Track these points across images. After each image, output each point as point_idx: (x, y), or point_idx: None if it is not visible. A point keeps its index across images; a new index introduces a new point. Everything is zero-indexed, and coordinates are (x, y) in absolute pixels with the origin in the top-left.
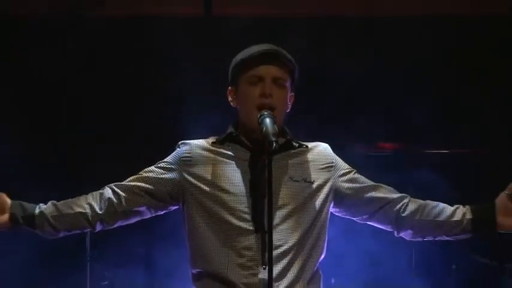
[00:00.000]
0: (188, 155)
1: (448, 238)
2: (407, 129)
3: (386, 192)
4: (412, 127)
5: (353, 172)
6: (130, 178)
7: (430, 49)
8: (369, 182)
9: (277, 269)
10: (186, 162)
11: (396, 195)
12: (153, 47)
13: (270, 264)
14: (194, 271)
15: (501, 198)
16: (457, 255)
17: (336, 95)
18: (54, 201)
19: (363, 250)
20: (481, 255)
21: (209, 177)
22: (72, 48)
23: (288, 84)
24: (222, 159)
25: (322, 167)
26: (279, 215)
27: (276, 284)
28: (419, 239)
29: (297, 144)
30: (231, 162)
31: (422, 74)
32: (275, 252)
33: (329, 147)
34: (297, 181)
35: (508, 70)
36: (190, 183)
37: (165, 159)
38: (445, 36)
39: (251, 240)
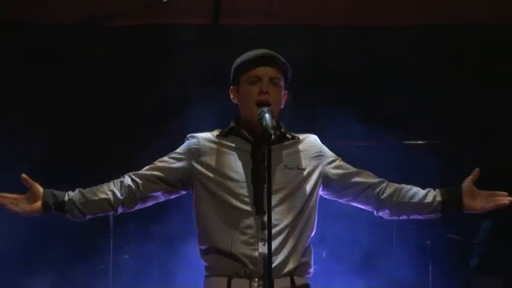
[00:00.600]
0: (196, 146)
1: (420, 217)
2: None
3: (367, 177)
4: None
5: (339, 160)
6: (146, 167)
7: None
8: (353, 168)
9: (274, 244)
10: (194, 153)
11: (376, 179)
12: (167, 53)
13: (269, 240)
14: (202, 247)
15: (467, 183)
16: (431, 233)
17: (328, 93)
18: (81, 189)
19: (351, 229)
20: (452, 233)
21: (215, 165)
22: (92, 56)
23: (282, 83)
24: (225, 150)
25: (312, 155)
26: (275, 198)
27: (274, 257)
28: (396, 218)
29: (290, 136)
30: (234, 152)
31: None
32: (273, 230)
33: (318, 139)
34: (291, 168)
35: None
36: (199, 171)
37: (176, 150)
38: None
39: (252, 221)
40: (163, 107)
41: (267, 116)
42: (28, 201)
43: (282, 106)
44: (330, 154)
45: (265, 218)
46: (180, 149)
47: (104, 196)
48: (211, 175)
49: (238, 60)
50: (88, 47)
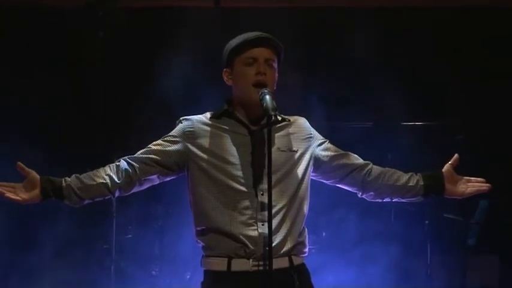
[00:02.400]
0: (191, 129)
1: (403, 200)
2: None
3: (354, 160)
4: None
5: (327, 142)
6: (141, 151)
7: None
8: (340, 151)
9: (272, 225)
10: (189, 135)
11: (362, 162)
12: (169, 35)
13: (269, 221)
14: (199, 228)
15: (447, 169)
16: (429, 213)
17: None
18: (77, 174)
19: (352, 210)
20: (450, 212)
21: (211, 148)
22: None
23: (275, 65)
24: (220, 132)
25: (303, 137)
26: (273, 180)
27: (274, 236)
28: (379, 200)
29: (280, 118)
30: (229, 135)
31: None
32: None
33: (307, 121)
34: (284, 151)
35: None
36: (194, 153)
37: (170, 133)
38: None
39: (250, 202)
40: (165, 89)
41: (268, 97)
42: (25, 189)
43: (275, 88)
44: (319, 136)
45: (263, 199)
46: (174, 132)
47: (101, 181)
48: (207, 157)
49: (233, 42)
50: (90, 30)
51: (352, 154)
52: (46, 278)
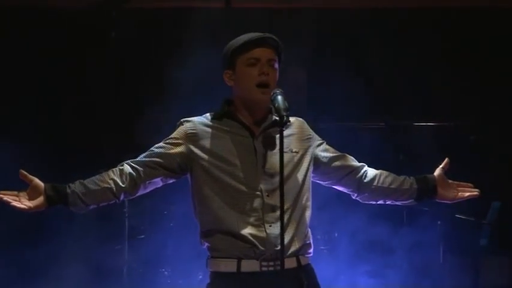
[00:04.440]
0: (193, 130)
1: (396, 203)
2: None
3: (350, 161)
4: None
5: (325, 143)
6: (144, 154)
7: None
8: (338, 152)
9: (279, 226)
10: (191, 137)
11: (358, 163)
12: (180, 36)
13: (282, 222)
14: (204, 229)
15: (438, 173)
16: (441, 213)
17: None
18: (81, 180)
19: (364, 211)
20: (462, 213)
21: (213, 149)
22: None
23: (277, 65)
24: (222, 133)
25: (303, 138)
26: (274, 181)
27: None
28: (373, 202)
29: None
30: (231, 136)
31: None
32: (277, 213)
33: (305, 122)
34: (285, 152)
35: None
36: (197, 155)
37: (171, 136)
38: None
39: (256, 203)
40: (176, 89)
41: (280, 97)
42: (29, 196)
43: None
44: (317, 137)
45: (269, 201)
46: (176, 134)
47: (105, 185)
48: (210, 159)
49: (234, 43)
50: (102, 30)
51: (349, 156)
52: (58, 278)
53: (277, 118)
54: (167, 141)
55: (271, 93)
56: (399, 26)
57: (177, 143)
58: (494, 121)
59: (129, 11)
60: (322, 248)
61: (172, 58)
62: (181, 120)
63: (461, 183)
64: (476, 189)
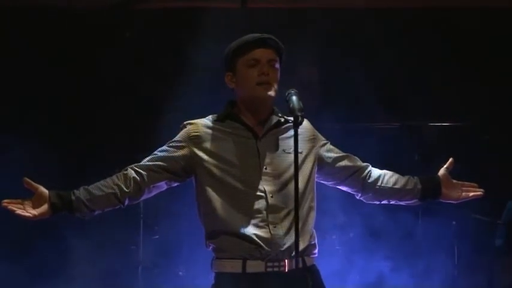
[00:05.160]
0: (197, 133)
1: (400, 203)
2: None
3: (355, 161)
4: None
5: (329, 143)
6: (147, 158)
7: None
8: (342, 152)
9: (284, 227)
10: (195, 140)
11: (362, 164)
12: (195, 36)
13: (296, 224)
14: (209, 231)
15: (442, 173)
16: (456, 213)
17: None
18: (85, 186)
19: (379, 211)
20: (477, 213)
21: (217, 151)
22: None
23: (277, 65)
24: (225, 135)
25: (307, 138)
26: (278, 183)
27: (285, 239)
28: (376, 202)
29: (283, 120)
30: (234, 138)
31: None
32: (281, 214)
33: (309, 122)
34: (289, 153)
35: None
36: (201, 157)
37: (175, 139)
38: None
39: (261, 205)
40: (190, 90)
41: (294, 97)
42: (34, 204)
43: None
44: (321, 137)
45: (273, 202)
46: (179, 137)
47: (110, 191)
48: (214, 161)
49: (234, 45)
50: (117, 30)
51: (353, 156)
52: (73, 277)
53: (280, 119)
54: (170, 144)
55: (286, 93)
56: (413, 25)
57: (180, 145)
58: (508, 121)
59: (142, 11)
60: (337, 247)
61: (187, 58)
62: (184, 122)
63: (466, 183)
64: (481, 189)
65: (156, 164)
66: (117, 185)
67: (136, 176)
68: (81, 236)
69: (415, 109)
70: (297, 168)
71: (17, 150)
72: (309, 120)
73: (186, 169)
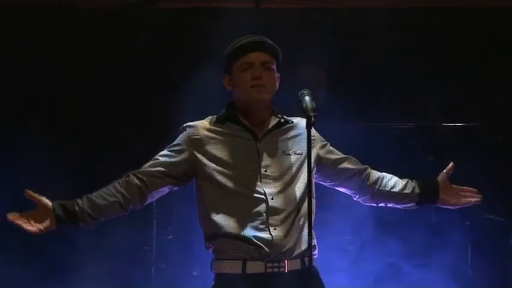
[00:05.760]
0: (197, 136)
1: (397, 206)
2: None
3: (354, 164)
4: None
5: (328, 144)
6: (149, 164)
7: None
8: (341, 154)
9: (284, 228)
10: (195, 143)
11: (361, 166)
12: (209, 36)
13: (309, 225)
14: (209, 233)
15: (441, 178)
16: (470, 214)
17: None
18: (88, 195)
19: (392, 211)
20: (491, 213)
21: (217, 154)
22: (140, 39)
23: (274, 66)
24: (225, 137)
25: (306, 140)
26: (278, 185)
27: (285, 240)
28: (374, 204)
29: (283, 121)
30: (234, 140)
31: None
32: (281, 216)
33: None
34: (289, 154)
35: None
36: (201, 161)
37: (175, 143)
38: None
39: (261, 207)
40: (205, 91)
41: (307, 98)
42: (38, 216)
43: (277, 88)
44: (321, 138)
45: (273, 204)
46: (179, 140)
47: (113, 199)
48: (214, 164)
49: (229, 49)
50: (131, 31)
51: (352, 158)
52: (85, 278)
53: (281, 120)
54: (171, 148)
55: (299, 93)
56: (429, 25)
57: (181, 149)
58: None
59: (156, 11)
60: (350, 248)
61: (201, 58)
62: (184, 125)
63: (465, 188)
64: (479, 195)
65: (158, 170)
66: (120, 192)
67: (138, 183)
68: (93, 236)
69: (429, 109)
70: (310, 170)
71: (31, 150)
72: (322, 120)
73: (187, 173)
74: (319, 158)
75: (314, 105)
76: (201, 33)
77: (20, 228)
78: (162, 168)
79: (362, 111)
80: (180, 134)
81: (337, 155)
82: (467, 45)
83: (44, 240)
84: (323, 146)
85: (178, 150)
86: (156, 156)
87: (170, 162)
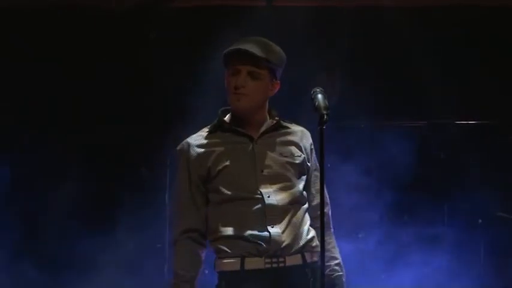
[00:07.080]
0: (194, 156)
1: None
2: None
3: (314, 207)
4: None
5: (317, 170)
6: (188, 213)
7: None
8: (316, 186)
9: (282, 225)
10: (194, 163)
11: (315, 214)
12: (221, 34)
13: (321, 223)
14: (209, 234)
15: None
16: (482, 212)
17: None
18: (185, 280)
19: (405, 210)
20: (503, 211)
21: (216, 164)
22: (152, 38)
23: (264, 75)
24: (220, 146)
25: (305, 147)
26: (276, 184)
27: (284, 236)
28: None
29: (281, 123)
30: (230, 145)
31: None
32: (278, 213)
33: (310, 136)
34: (286, 156)
35: None
36: (203, 175)
37: (180, 173)
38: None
39: (258, 206)
40: (217, 90)
41: (320, 96)
42: None
43: (273, 94)
44: (314, 157)
45: (270, 202)
46: (182, 168)
47: (199, 267)
48: (214, 173)
49: (224, 53)
50: (142, 31)
51: (317, 201)
52: (98, 274)
53: (278, 122)
54: (181, 181)
55: (311, 92)
56: (441, 23)
57: (188, 175)
58: None
59: (167, 10)
60: (363, 247)
61: (213, 58)
62: (177, 148)
63: None
64: None
65: (200, 212)
66: (196, 255)
67: (200, 237)
68: (106, 235)
69: (441, 107)
70: (322, 166)
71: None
72: (336, 118)
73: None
74: (308, 169)
75: (327, 103)
76: (211, 31)
77: None
78: (196, 206)
79: (375, 109)
80: (176, 159)
81: (314, 184)
82: (482, 43)
83: (59, 237)
84: (313, 168)
85: (188, 179)
86: (181, 199)
87: (193, 195)
